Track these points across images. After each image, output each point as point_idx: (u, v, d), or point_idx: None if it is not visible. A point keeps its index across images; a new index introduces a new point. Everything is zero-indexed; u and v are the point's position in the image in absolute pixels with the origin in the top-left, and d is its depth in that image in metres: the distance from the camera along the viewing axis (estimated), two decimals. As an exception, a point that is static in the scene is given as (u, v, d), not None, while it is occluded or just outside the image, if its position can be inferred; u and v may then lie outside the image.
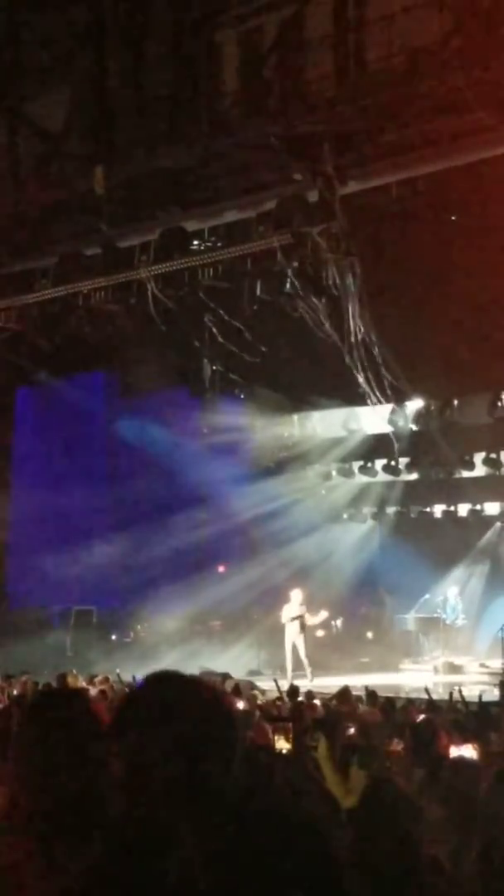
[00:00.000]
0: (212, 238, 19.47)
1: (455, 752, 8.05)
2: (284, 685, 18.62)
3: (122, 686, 17.16)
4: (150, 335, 21.21)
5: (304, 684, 21.30)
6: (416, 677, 26.24)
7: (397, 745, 9.43)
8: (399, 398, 27.50)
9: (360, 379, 20.10)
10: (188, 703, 2.91)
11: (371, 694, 16.34)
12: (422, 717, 12.24)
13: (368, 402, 23.10)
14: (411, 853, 2.85)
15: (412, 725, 10.88)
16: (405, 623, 30.91)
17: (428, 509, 32.09)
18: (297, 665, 25.93)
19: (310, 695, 16.71)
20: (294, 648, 26.25)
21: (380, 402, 25.56)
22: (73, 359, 24.95)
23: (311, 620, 26.64)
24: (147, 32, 19.66)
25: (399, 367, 22.90)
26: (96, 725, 3.49)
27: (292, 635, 26.38)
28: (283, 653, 26.76)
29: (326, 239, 17.69)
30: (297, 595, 26.90)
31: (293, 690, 16.89)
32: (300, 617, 26.39)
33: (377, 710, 14.75)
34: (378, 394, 23.24)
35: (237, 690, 17.15)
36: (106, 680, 18.49)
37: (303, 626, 26.36)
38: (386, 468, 29.90)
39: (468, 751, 8.05)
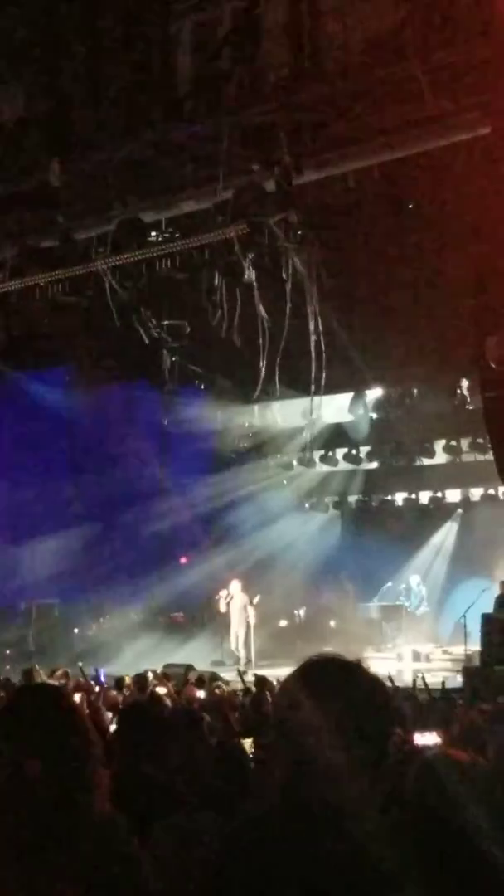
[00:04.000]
0: (169, 229, 19.40)
1: (419, 739, 8.06)
2: (249, 676, 18.65)
3: (85, 679, 17.14)
4: (109, 327, 21.12)
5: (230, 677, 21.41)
6: (379, 665, 26.30)
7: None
8: (359, 387, 27.62)
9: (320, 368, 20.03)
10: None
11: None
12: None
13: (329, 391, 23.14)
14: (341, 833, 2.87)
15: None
16: (368, 611, 31.02)
17: (389, 497, 32.23)
18: (232, 654, 26.27)
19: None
20: (236, 638, 26.61)
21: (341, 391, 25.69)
22: (31, 352, 24.84)
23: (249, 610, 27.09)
24: (101, 23, 19.57)
25: (359, 355, 22.95)
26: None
27: (236, 625, 26.73)
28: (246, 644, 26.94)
29: (284, 228, 17.67)
30: (236, 586, 27.20)
31: (261, 680, 16.84)
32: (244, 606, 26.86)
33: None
34: (338, 383, 23.28)
35: (200, 682, 17.13)
36: (65, 674, 18.42)
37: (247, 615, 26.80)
38: (347, 457, 30.00)
39: (432, 737, 8.07)
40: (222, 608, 27.29)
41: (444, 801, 3.40)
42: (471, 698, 15.85)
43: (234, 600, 27.16)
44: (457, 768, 3.61)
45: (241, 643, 26.70)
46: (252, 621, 27.19)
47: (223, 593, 27.42)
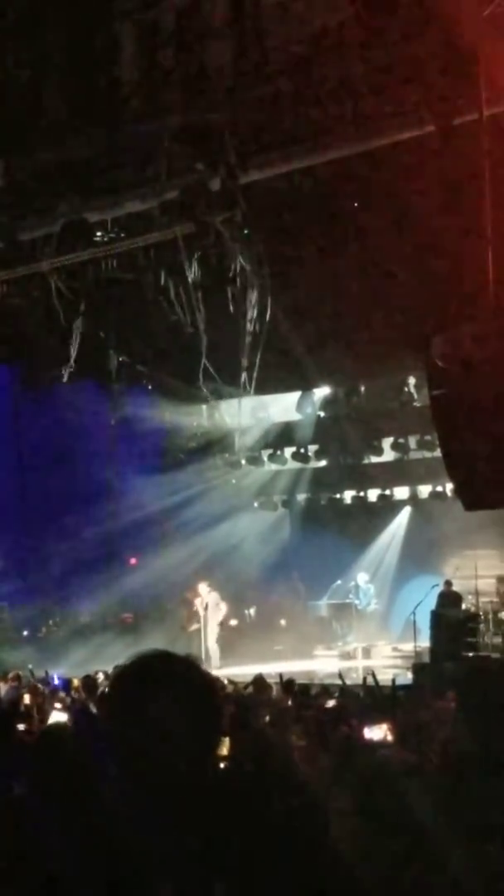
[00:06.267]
0: (114, 229, 19.35)
1: (368, 733, 8.09)
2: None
3: (33, 681, 17.10)
4: (55, 327, 21.04)
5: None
6: (329, 663, 26.41)
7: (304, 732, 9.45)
8: (306, 385, 27.66)
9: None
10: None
11: (288, 682, 16.35)
12: (332, 702, 12.29)
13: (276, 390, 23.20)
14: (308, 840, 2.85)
15: (322, 711, 10.94)
16: (318, 610, 31.10)
17: (338, 495, 32.28)
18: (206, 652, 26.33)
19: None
20: (211, 637, 26.68)
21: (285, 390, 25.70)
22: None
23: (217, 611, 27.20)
24: (43, 23, 19.48)
25: (305, 354, 22.99)
26: None
27: (211, 625, 26.82)
28: (198, 643, 26.92)
29: (229, 228, 17.67)
30: (204, 587, 27.27)
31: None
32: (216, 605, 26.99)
33: (290, 696, 14.77)
34: (285, 382, 23.35)
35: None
36: (17, 677, 18.38)
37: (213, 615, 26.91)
38: (295, 455, 30.04)
39: (381, 732, 8.09)
40: (200, 612, 27.36)
41: None
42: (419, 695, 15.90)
43: (206, 602, 27.27)
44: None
45: (214, 641, 26.85)
46: (220, 621, 27.38)
47: (198, 601, 27.49)
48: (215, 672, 20.64)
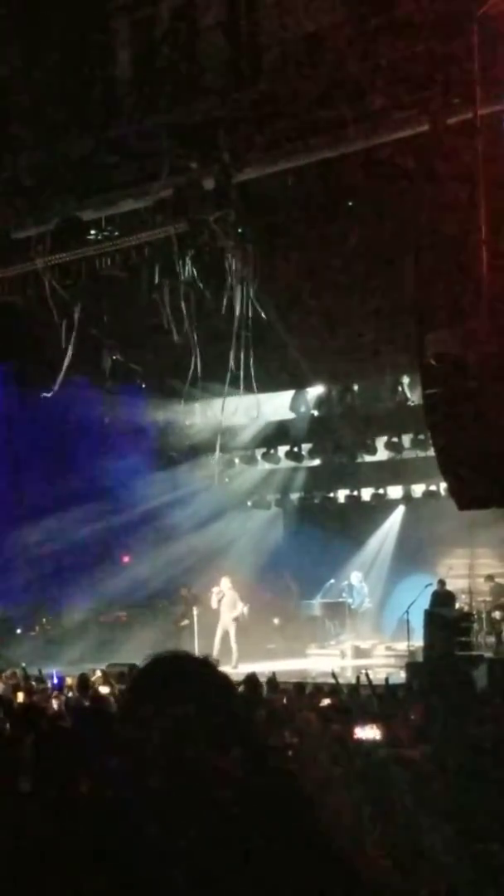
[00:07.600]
0: (108, 227, 19.34)
1: (360, 733, 8.09)
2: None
3: (27, 680, 17.09)
4: (49, 325, 21.03)
5: (226, 671, 21.52)
6: (323, 662, 26.41)
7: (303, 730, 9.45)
8: (300, 384, 27.67)
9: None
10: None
11: (270, 680, 16.37)
12: (327, 701, 12.30)
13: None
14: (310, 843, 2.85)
15: (317, 710, 10.94)
16: (311, 608, 31.09)
17: (331, 494, 32.26)
18: (225, 651, 26.29)
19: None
20: (226, 635, 26.67)
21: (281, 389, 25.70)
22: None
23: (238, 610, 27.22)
24: (39, 20, 19.46)
25: (299, 353, 22.99)
26: None
27: (226, 622, 26.83)
28: (189, 641, 26.92)
29: (223, 226, 17.66)
30: (226, 583, 27.27)
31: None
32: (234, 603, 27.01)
33: (283, 695, 14.78)
34: (279, 380, 23.36)
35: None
36: (14, 675, 18.41)
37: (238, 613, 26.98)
38: (288, 454, 30.01)
39: (372, 731, 8.09)
40: (213, 604, 27.41)
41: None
42: (415, 694, 15.91)
43: (225, 598, 27.26)
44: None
45: (233, 640, 26.83)
46: (243, 620, 27.38)
47: (215, 590, 27.51)
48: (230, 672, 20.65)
